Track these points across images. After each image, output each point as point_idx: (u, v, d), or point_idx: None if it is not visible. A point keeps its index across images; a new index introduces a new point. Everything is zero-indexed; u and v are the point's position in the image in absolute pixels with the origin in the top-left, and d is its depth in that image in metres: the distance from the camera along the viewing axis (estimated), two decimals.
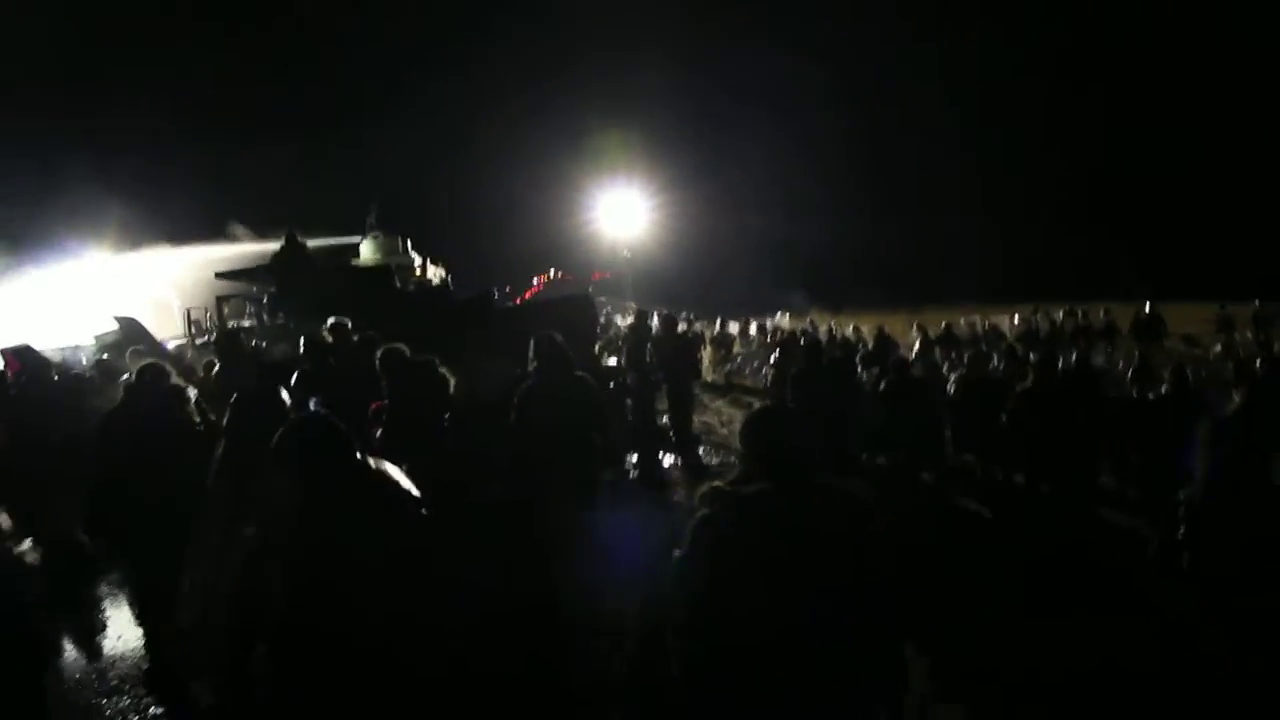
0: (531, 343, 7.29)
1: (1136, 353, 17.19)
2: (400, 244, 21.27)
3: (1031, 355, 13.94)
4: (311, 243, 17.68)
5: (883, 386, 11.82)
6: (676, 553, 3.29)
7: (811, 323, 30.69)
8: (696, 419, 16.10)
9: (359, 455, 3.89)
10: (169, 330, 18.47)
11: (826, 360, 12.80)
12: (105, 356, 12.67)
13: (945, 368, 17.13)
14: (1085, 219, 60.91)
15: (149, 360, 7.19)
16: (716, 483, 3.38)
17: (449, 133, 67.36)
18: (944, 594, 7.14)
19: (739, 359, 27.89)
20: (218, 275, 18.93)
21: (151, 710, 6.09)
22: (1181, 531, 5.72)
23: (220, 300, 18.33)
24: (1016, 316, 29.36)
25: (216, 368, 9.98)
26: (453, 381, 7.42)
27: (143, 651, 6.75)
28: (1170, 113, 65.39)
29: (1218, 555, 5.46)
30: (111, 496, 6.28)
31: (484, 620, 4.14)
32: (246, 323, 17.06)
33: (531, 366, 7.23)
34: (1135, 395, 11.62)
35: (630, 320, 18.62)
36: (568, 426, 6.99)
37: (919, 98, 71.76)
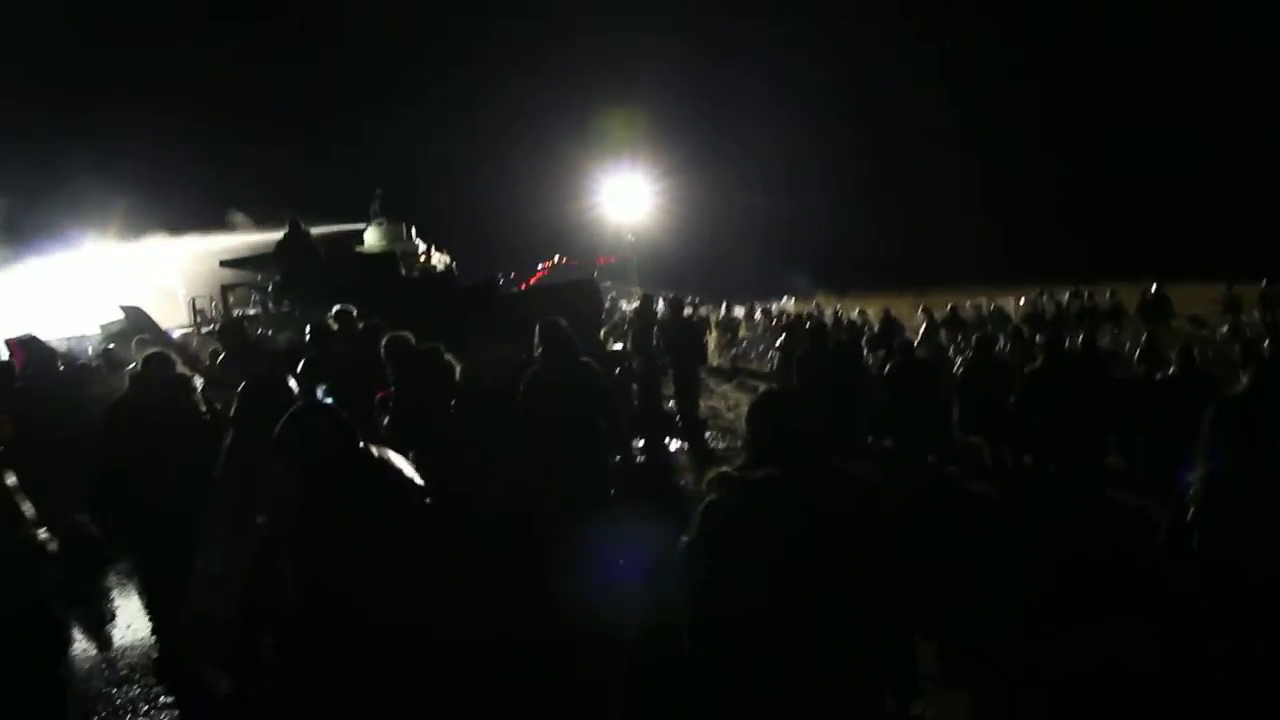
0: (536, 328, 7.27)
1: (1144, 334, 17.16)
2: (404, 230, 21.24)
3: (1038, 337, 13.92)
4: (315, 230, 17.64)
5: (888, 369, 11.79)
6: (683, 539, 3.27)
7: (817, 306, 30.68)
8: (702, 403, 16.09)
9: (362, 444, 3.88)
10: (174, 319, 18.47)
11: (832, 343, 12.77)
12: (111, 346, 12.64)
13: (951, 350, 17.11)
14: (1093, 199, 60.77)
15: (154, 350, 7.18)
16: (724, 468, 3.36)
17: (452, 119, 67.23)
18: (949, 578, 7.12)
19: (744, 343, 27.88)
20: (222, 264, 18.93)
21: (161, 700, 6.10)
22: (1190, 513, 5.70)
23: (225, 289, 18.31)
24: (1022, 299, 29.27)
25: (221, 356, 9.98)
26: (458, 368, 7.42)
27: (152, 641, 6.76)
28: (1176, 94, 65.25)
29: (1227, 537, 5.44)
30: (118, 486, 6.28)
31: (484, 620, 4.13)
32: (251, 311, 17.05)
33: (536, 352, 7.21)
34: (1142, 376, 11.58)
35: (635, 305, 18.60)
36: (573, 412, 6.98)
37: (923, 82, 71.54)
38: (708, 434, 14.39)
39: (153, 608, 6.76)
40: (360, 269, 16.67)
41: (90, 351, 14.18)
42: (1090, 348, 13.08)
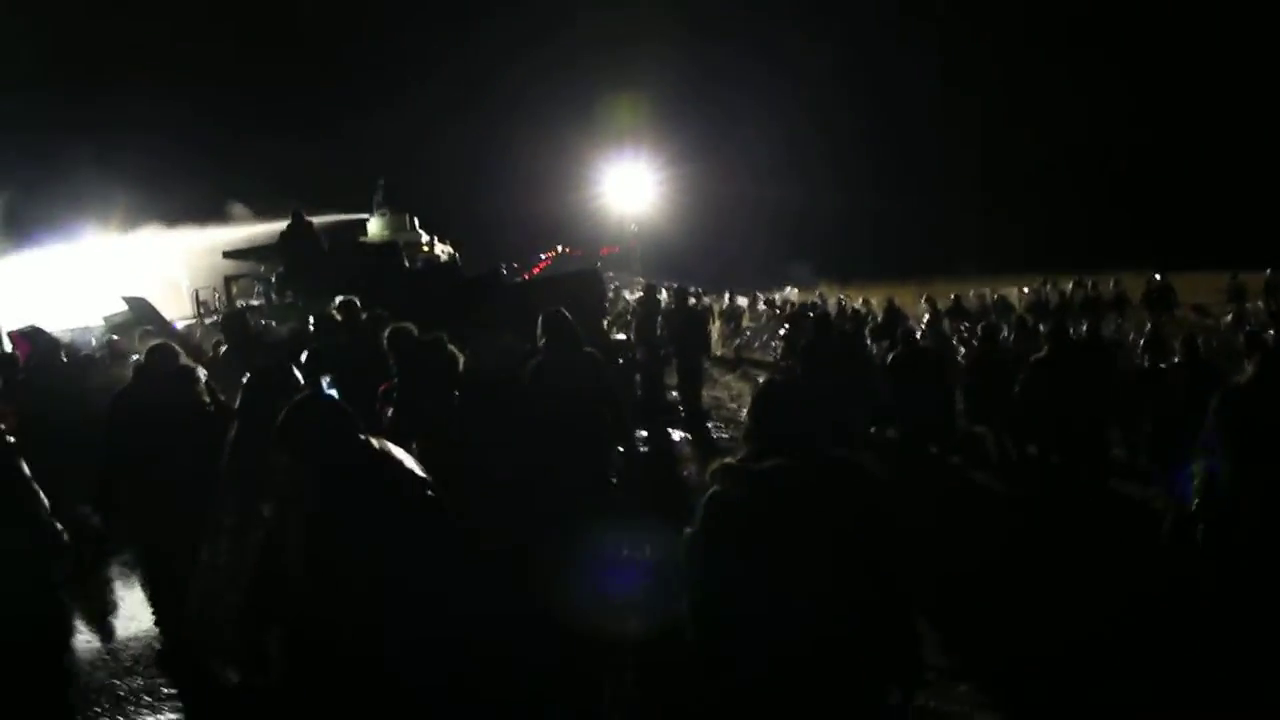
0: (539, 319, 7.27)
1: (1148, 323, 17.14)
2: (407, 221, 21.25)
3: (1041, 326, 13.90)
4: (318, 220, 17.64)
5: (891, 359, 11.78)
6: (687, 531, 3.26)
7: (821, 295, 30.67)
8: (705, 394, 16.10)
9: (362, 437, 3.87)
10: (178, 310, 18.48)
11: (836, 333, 12.77)
12: (114, 337, 12.65)
13: (954, 340, 17.08)
14: (1097, 189, 60.65)
15: (158, 341, 7.18)
16: (727, 459, 3.35)
17: (455, 109, 67.17)
18: (954, 568, 7.11)
19: (748, 333, 27.89)
20: (225, 255, 18.93)
21: (165, 691, 6.11)
22: (1195, 503, 5.70)
23: (228, 280, 18.31)
24: (1026, 288, 29.26)
25: (224, 348, 9.97)
26: (461, 359, 7.41)
27: (156, 633, 6.77)
28: (1181, 84, 65.07)
29: (1232, 526, 5.44)
30: (122, 477, 6.28)
31: (485, 613, 4.12)
32: (255, 302, 17.05)
33: (540, 343, 7.20)
34: (1147, 366, 11.58)
35: (639, 295, 18.60)
36: (576, 402, 6.97)
37: (928, 72, 71.40)
38: (711, 424, 14.39)
39: (156, 600, 6.76)
40: (363, 260, 16.66)
41: (94, 343, 14.17)
42: (1095, 337, 13.07)
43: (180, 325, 15.96)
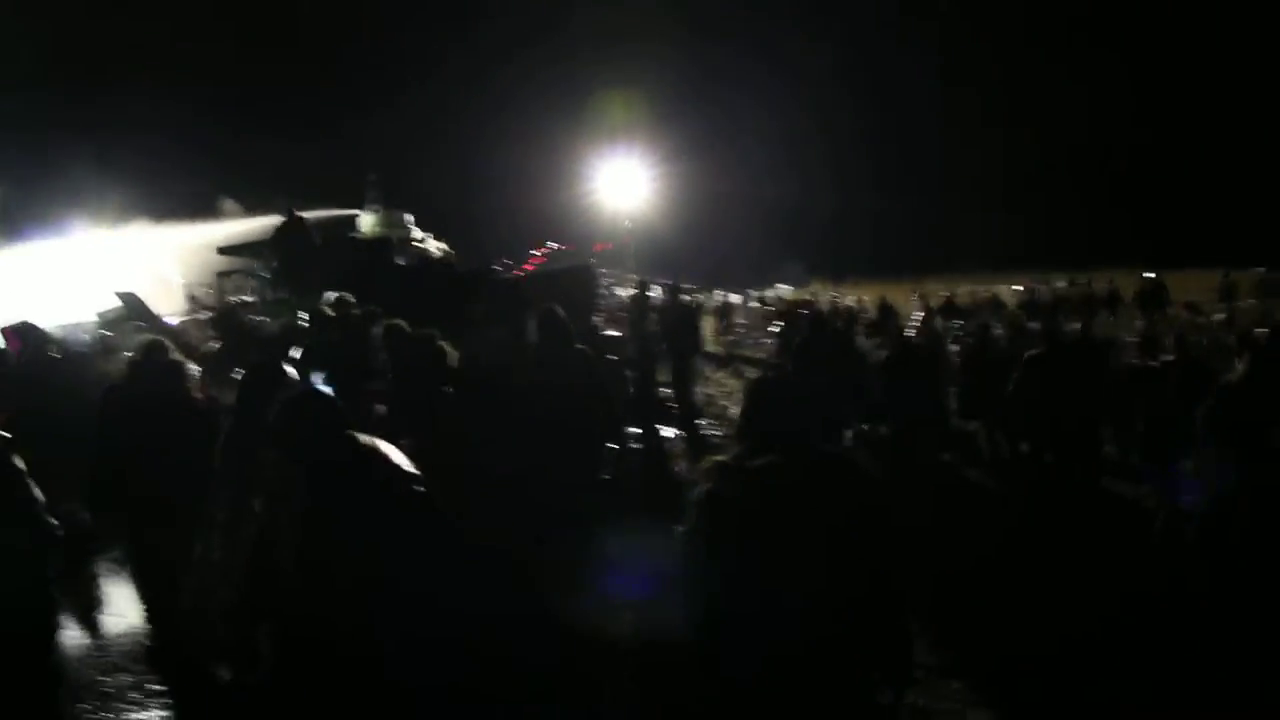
0: (533, 315, 7.27)
1: (1140, 321, 17.16)
2: (401, 217, 21.23)
3: (1034, 325, 13.91)
4: (311, 216, 17.62)
5: (885, 357, 11.78)
6: (680, 529, 3.26)
7: (814, 293, 30.69)
8: (698, 390, 16.10)
9: (355, 433, 3.86)
10: (170, 306, 18.43)
11: (829, 330, 12.77)
12: (107, 333, 12.60)
13: (947, 338, 17.09)
14: (1090, 188, 60.76)
15: (151, 336, 7.16)
16: (720, 457, 3.35)
17: (449, 107, 67.03)
18: (946, 566, 7.12)
19: (741, 330, 27.90)
20: (219, 251, 18.89)
21: (153, 688, 6.09)
22: (1186, 501, 5.71)
23: (221, 276, 18.27)
24: (1018, 286, 29.32)
25: (217, 344, 9.96)
26: (453, 355, 7.40)
27: (144, 629, 6.74)
28: (1174, 84, 65.21)
29: (1224, 525, 5.45)
30: (113, 473, 6.26)
31: (477, 622, 4.10)
32: (248, 298, 17.02)
33: (532, 339, 7.20)
34: (1139, 364, 11.58)
35: (632, 291, 18.59)
36: (569, 399, 6.97)
37: (923, 71, 71.46)
38: (703, 421, 14.39)
39: (146, 596, 6.74)
40: (356, 256, 16.65)
41: (86, 339, 14.12)
42: (1087, 335, 13.08)
43: (173, 321, 15.92)
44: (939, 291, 27.45)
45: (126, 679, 6.23)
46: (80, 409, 7.38)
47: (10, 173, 33.74)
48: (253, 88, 60.94)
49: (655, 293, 17.57)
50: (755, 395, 3.46)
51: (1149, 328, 14.50)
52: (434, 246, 21.09)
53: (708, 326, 24.40)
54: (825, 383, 9.35)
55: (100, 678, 6.28)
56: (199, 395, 6.82)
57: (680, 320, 15.27)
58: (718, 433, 13.50)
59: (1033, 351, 9.99)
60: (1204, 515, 5.72)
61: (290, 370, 7.07)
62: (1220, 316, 22.21)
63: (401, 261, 17.50)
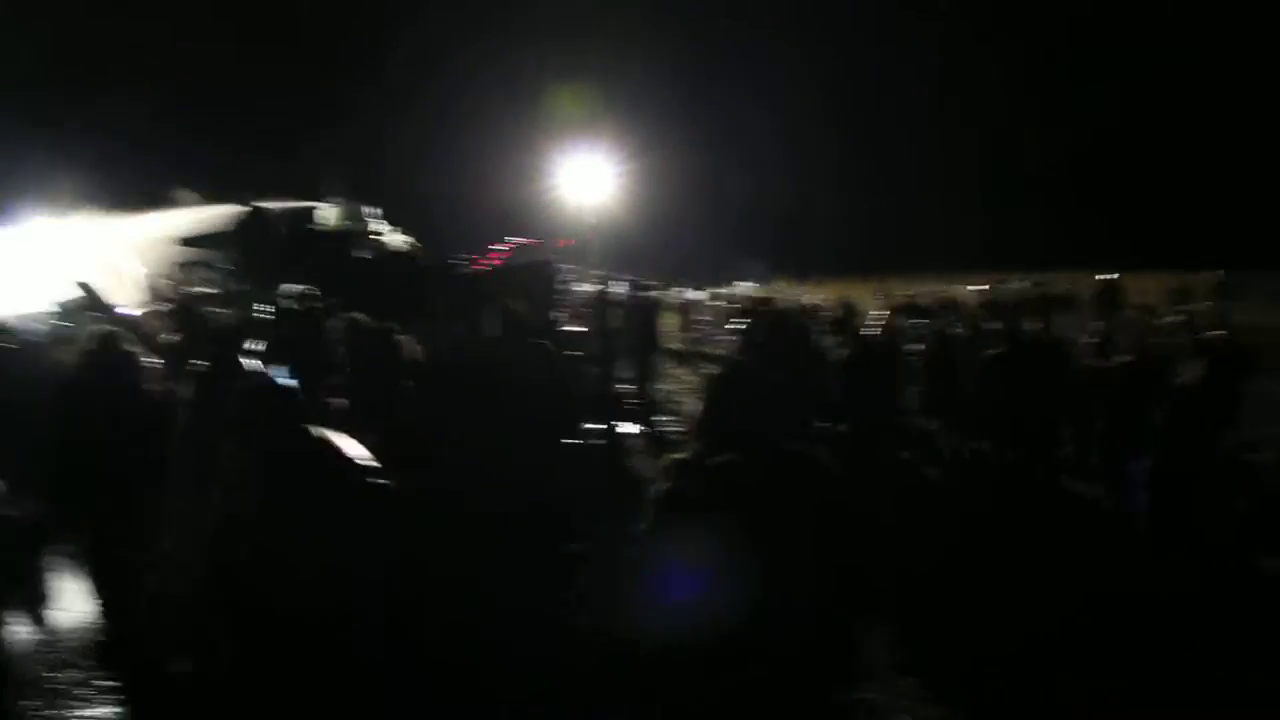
0: (491, 309, 7.24)
1: (1098, 323, 17.29)
2: (362, 209, 21.05)
3: (994, 324, 14.00)
4: (272, 207, 17.46)
5: (845, 355, 11.82)
6: (637, 527, 3.25)
7: (776, 291, 30.72)
8: (659, 387, 16.11)
9: (312, 424, 3.84)
10: (129, 297, 18.20)
11: (790, 328, 12.79)
12: (63, 323, 12.43)
13: (908, 337, 17.15)
14: (1049, 190, 61.24)
15: (108, 327, 7.08)
16: (678, 454, 3.34)
17: (412, 99, 66.65)
18: (903, 564, 7.16)
19: (702, 327, 27.92)
20: (178, 241, 18.66)
21: (102, 684, 6.00)
22: (1141, 500, 5.77)
23: (181, 267, 18.05)
24: (979, 286, 29.49)
25: (176, 335, 9.84)
26: (412, 348, 7.37)
27: (95, 624, 6.65)
28: (1131, 89, 65.89)
29: (1175, 522, 5.51)
30: (68, 464, 6.19)
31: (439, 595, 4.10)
32: (207, 290, 16.83)
33: (492, 333, 7.17)
34: (1096, 364, 11.69)
35: (594, 287, 18.56)
36: (527, 393, 6.95)
37: (885, 72, 71.74)
38: (664, 418, 14.40)
39: (99, 590, 6.66)
40: (317, 248, 16.52)
41: (42, 329, 13.92)
42: (1046, 335, 13.18)
43: (131, 312, 15.72)
44: (900, 291, 27.57)
45: (75, 675, 6.14)
46: (35, 400, 7.29)
47: None
48: (208, 79, 60.28)
49: (617, 289, 17.56)
50: (713, 392, 3.45)
51: (1105, 329, 14.60)
52: (395, 240, 20.91)
53: (669, 323, 24.42)
54: (785, 380, 9.38)
55: (48, 674, 6.18)
56: (155, 388, 6.76)
57: (641, 316, 15.28)
58: (678, 429, 13.51)
59: (993, 351, 10.06)
60: (1158, 513, 5.78)
61: (249, 363, 7.03)
62: (1176, 319, 22.43)
63: (363, 254, 17.37)
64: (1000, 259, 37.52)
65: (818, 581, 3.13)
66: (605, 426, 13.09)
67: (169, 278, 18.15)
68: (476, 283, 15.45)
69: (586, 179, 43.65)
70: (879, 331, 14.16)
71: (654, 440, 12.80)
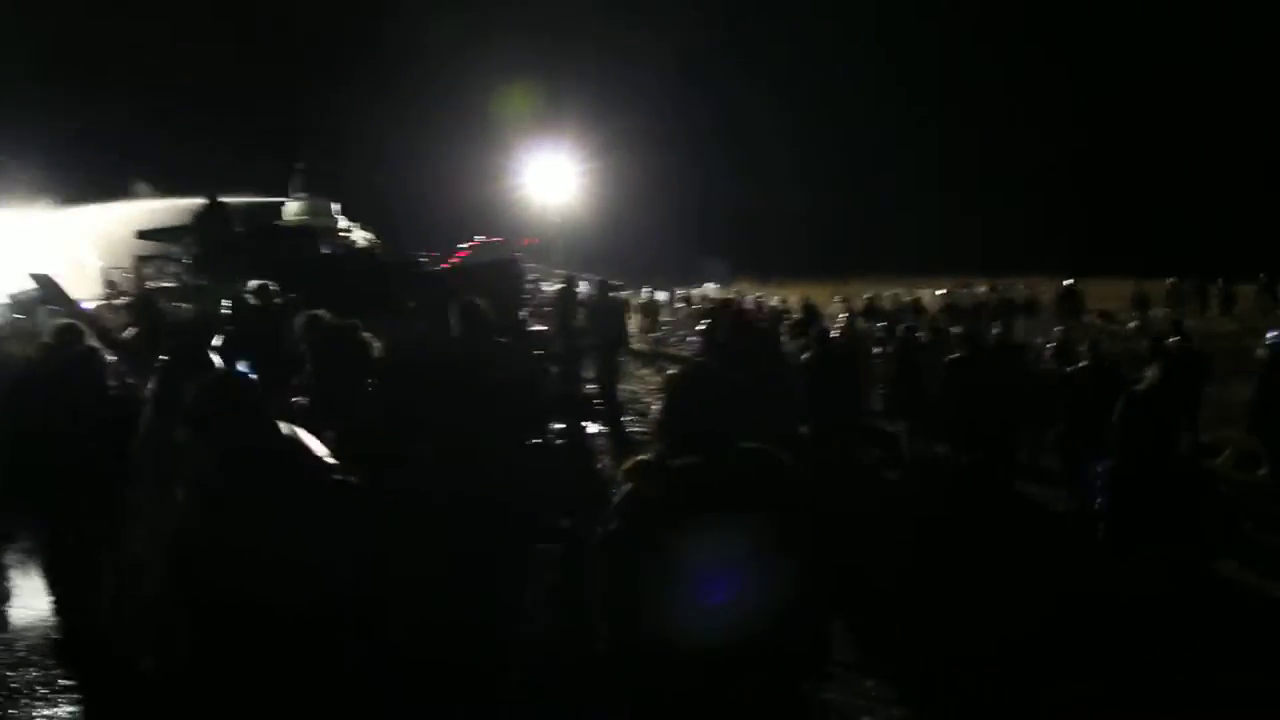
0: (453, 307, 7.22)
1: (1057, 328, 17.50)
2: (326, 206, 20.94)
3: (954, 329, 14.14)
4: (232, 202, 17.34)
5: (806, 358, 11.89)
6: (601, 529, 3.24)
7: (739, 292, 30.85)
8: (622, 387, 16.13)
9: (273, 420, 3.82)
10: (86, 290, 18.00)
11: (753, 330, 12.86)
12: (19, 316, 12.29)
13: (869, 340, 17.28)
14: (1012, 195, 61.70)
15: (65, 321, 7.01)
16: (642, 456, 3.34)
17: (375, 96, 66.28)
18: (865, 565, 7.20)
19: (666, 327, 27.98)
20: (138, 235, 18.48)
21: (62, 683, 5.92)
22: (1099, 502, 5.84)
23: (140, 260, 17.88)
24: (940, 290, 29.73)
25: (134, 330, 9.75)
26: (376, 345, 7.34)
27: (53, 621, 6.58)
28: (1096, 97, 66.66)
29: (1133, 524, 5.59)
30: (24, 458, 6.13)
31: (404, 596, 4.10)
32: (168, 284, 16.68)
33: (455, 331, 7.15)
34: (1054, 370, 11.83)
35: (558, 286, 18.56)
36: (490, 391, 6.94)
37: (850, 73, 72.02)
38: (628, 418, 14.42)
39: (55, 588, 6.60)
40: (279, 243, 16.43)
41: None
42: (1007, 340, 13.33)
43: (89, 306, 15.56)
44: (862, 294, 27.77)
45: (33, 674, 6.05)
46: None
47: None
48: (167, 70, 59.64)
49: (582, 288, 17.57)
50: (675, 393, 3.45)
51: (1064, 334, 14.79)
52: (359, 236, 20.81)
53: (633, 323, 24.45)
54: (747, 381, 9.42)
55: (4, 672, 6.10)
56: (113, 383, 6.70)
57: (606, 316, 15.29)
58: (642, 429, 13.53)
59: (954, 355, 10.15)
60: (1112, 515, 5.85)
61: (212, 357, 6.98)
62: (1133, 325, 22.74)
63: (325, 251, 17.28)
64: (962, 262, 37.76)
65: (780, 583, 3.14)
66: (569, 426, 13.11)
67: (128, 271, 18.00)
68: (440, 280, 15.40)
69: (551, 178, 43.67)
70: (840, 334, 14.26)
71: (618, 441, 12.80)
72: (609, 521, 3.22)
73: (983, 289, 28.92)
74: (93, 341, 6.69)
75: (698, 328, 19.32)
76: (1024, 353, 12.96)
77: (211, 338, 7.81)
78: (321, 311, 7.62)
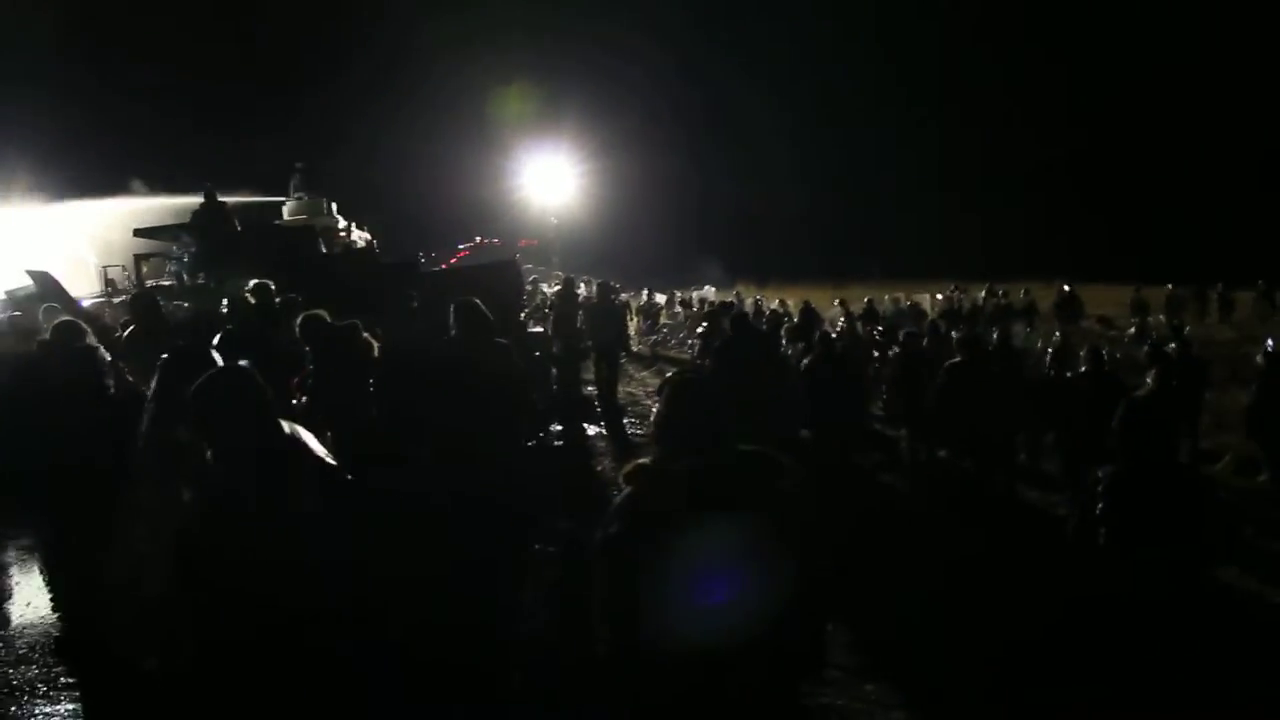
0: (452, 308, 7.22)
1: (1056, 333, 17.53)
2: (325, 206, 20.92)
3: (953, 333, 14.16)
4: (232, 201, 17.33)
5: (807, 361, 11.90)
6: (600, 533, 3.24)
7: (738, 295, 30.87)
8: (621, 389, 16.14)
9: (275, 417, 3.81)
10: (85, 288, 17.98)
11: (752, 333, 12.85)
12: (17, 313, 12.28)
13: (868, 345, 17.30)
14: (1009, 198, 61.71)
15: (64, 318, 6.99)
16: (642, 460, 3.34)
17: (375, 96, 66.26)
18: (864, 569, 7.20)
19: (665, 330, 28.00)
20: (136, 232, 18.47)
21: (62, 680, 5.91)
22: (1099, 508, 5.83)
23: (139, 258, 17.86)
24: (938, 294, 29.77)
25: (132, 328, 9.74)
26: (376, 346, 7.34)
27: (53, 619, 6.57)
28: (1093, 103, 66.72)
29: (1133, 529, 5.58)
30: (24, 457, 6.12)
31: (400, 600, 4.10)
32: (166, 282, 16.68)
33: (452, 332, 7.15)
34: (1053, 375, 11.84)
35: (557, 288, 18.58)
36: (484, 394, 6.94)
37: (849, 75, 72.05)
38: (626, 420, 14.42)
39: (55, 586, 6.58)
40: (278, 243, 16.42)
41: None
42: (1006, 345, 13.34)
43: (87, 303, 15.54)
44: (861, 297, 27.81)
45: (34, 671, 6.04)
46: None
47: None
48: (172, 69, 59.63)
49: (582, 290, 17.58)
50: (671, 397, 3.44)
51: (1064, 339, 14.81)
52: (358, 236, 20.80)
53: (633, 325, 24.46)
54: (747, 384, 9.42)
55: (5, 669, 6.10)
56: (111, 381, 6.68)
57: (606, 319, 15.30)
58: (641, 432, 13.53)
59: (953, 360, 10.15)
60: (1114, 520, 5.85)
61: (215, 356, 6.97)
62: (1132, 330, 22.77)
63: (324, 250, 17.27)
64: (962, 264, 37.78)
65: (778, 584, 3.14)
66: (569, 428, 13.12)
67: (126, 268, 17.98)
68: (439, 281, 15.40)
69: (550, 179, 43.71)
70: (839, 337, 14.27)
71: (618, 442, 12.80)
72: (609, 525, 3.23)
73: (982, 294, 28.97)
74: (92, 340, 6.67)
75: (698, 330, 19.37)
76: (1022, 358, 12.97)
77: (212, 336, 7.82)
78: (321, 312, 7.62)
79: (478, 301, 7.25)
